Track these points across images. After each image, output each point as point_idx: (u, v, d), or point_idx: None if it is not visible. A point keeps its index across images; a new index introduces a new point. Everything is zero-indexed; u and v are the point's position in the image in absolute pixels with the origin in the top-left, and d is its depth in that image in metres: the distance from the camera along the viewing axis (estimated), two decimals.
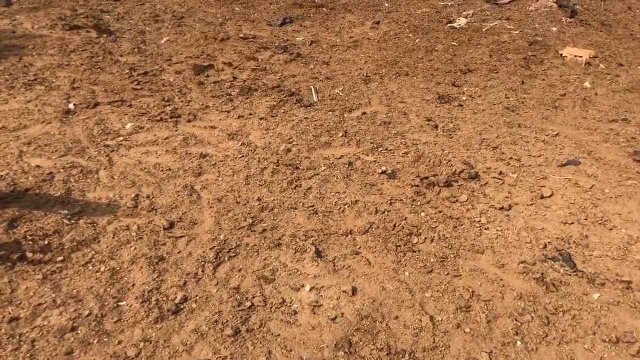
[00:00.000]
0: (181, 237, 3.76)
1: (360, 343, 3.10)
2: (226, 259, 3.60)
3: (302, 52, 6.94)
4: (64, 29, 6.86)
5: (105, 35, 6.82)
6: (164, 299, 3.25)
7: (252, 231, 3.88)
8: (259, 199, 4.23)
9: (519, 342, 3.23)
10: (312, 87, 6.09)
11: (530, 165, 5.06)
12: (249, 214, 4.06)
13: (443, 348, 3.13)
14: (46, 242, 3.58)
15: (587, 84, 6.68)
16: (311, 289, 3.41)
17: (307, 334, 3.10)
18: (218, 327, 3.08)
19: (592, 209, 4.51)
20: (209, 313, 3.18)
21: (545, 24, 8.35)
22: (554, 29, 8.13)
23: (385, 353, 3.05)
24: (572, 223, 4.32)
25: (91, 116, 5.15)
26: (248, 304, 3.26)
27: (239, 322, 3.13)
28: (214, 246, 3.67)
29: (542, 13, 8.63)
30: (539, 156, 5.23)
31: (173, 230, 3.82)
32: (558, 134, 5.66)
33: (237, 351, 2.95)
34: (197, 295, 3.30)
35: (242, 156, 4.79)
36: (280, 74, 6.37)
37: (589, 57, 7.19)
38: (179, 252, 3.63)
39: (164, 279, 3.40)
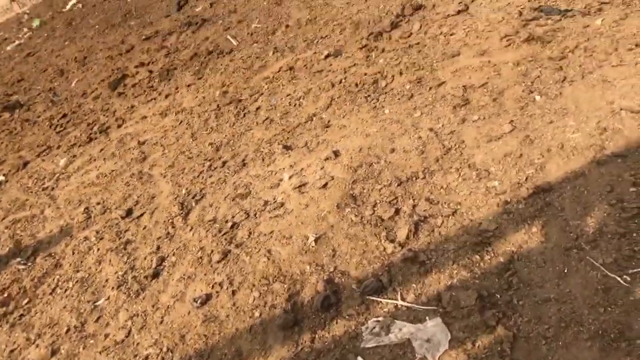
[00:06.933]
0: (142, 214, 3.24)
1: (365, 192, 2.53)
2: (193, 204, 3.07)
3: (206, 17, 6.45)
4: None
5: (17, 110, 6.37)
6: (141, 272, 2.72)
7: (213, 170, 3.36)
8: (211, 144, 3.71)
9: (537, 97, 2.64)
10: (227, 36, 5.56)
11: None
12: (205, 159, 3.54)
13: (456, 146, 2.56)
14: (5, 295, 3.08)
15: None
16: (290, 176, 2.86)
17: (303, 214, 2.55)
18: (205, 261, 2.55)
19: None
20: (192, 255, 2.64)
21: None
22: None
23: (397, 184, 2.48)
24: None
25: (24, 175, 4.67)
26: (229, 225, 2.72)
27: (225, 244, 2.59)
28: (178, 202, 3.13)
29: None
30: None
31: (132, 214, 3.30)
32: None
33: (233, 269, 2.42)
34: (173, 249, 2.77)
35: (181, 122, 4.27)
36: (193, 45, 5.86)
37: None
38: (144, 228, 3.11)
39: (137, 257, 2.89)
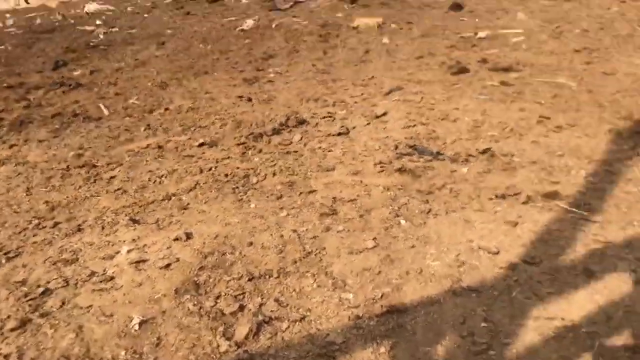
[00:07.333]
0: None
1: (211, 281, 2.29)
2: (3, 261, 2.58)
3: (82, 82, 6.10)
4: None
5: None
6: None
7: (40, 229, 2.91)
8: (47, 202, 3.27)
9: (403, 222, 2.67)
10: (100, 104, 5.25)
11: (355, 102, 4.73)
12: (35, 216, 3.08)
13: (317, 251, 2.45)
14: None
15: (385, 40, 6.73)
16: (130, 250, 2.53)
17: (133, 292, 2.22)
18: None
19: (430, 111, 4.25)
20: None
21: (330, 13, 8.50)
22: (340, 14, 8.29)
23: (248, 279, 2.27)
24: (415, 125, 3.99)
25: None
26: (40, 290, 2.28)
27: (27, 311, 2.14)
28: None
29: (325, 7, 8.81)
30: (362, 95, 4.94)
31: None
32: (373, 76, 5.46)
33: (28, 341, 1.97)
34: None
35: (19, 174, 3.78)
36: (59, 104, 5.44)
37: (380, 22, 7.32)
38: None
39: None
